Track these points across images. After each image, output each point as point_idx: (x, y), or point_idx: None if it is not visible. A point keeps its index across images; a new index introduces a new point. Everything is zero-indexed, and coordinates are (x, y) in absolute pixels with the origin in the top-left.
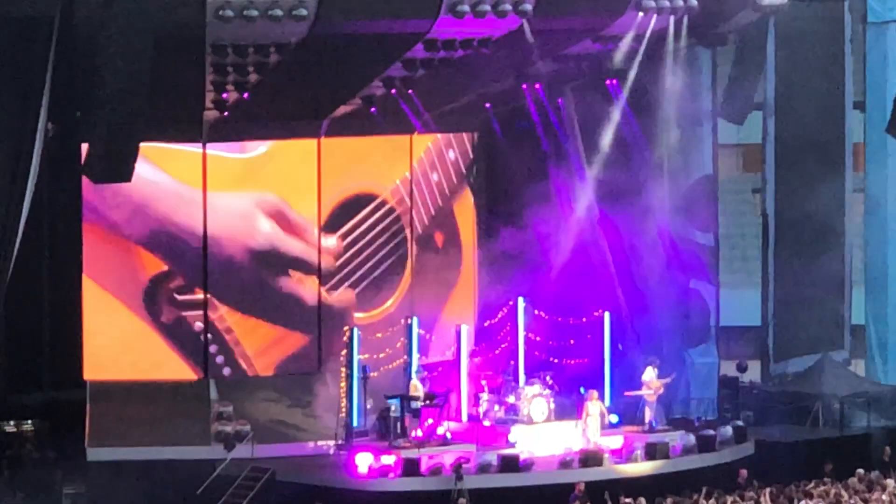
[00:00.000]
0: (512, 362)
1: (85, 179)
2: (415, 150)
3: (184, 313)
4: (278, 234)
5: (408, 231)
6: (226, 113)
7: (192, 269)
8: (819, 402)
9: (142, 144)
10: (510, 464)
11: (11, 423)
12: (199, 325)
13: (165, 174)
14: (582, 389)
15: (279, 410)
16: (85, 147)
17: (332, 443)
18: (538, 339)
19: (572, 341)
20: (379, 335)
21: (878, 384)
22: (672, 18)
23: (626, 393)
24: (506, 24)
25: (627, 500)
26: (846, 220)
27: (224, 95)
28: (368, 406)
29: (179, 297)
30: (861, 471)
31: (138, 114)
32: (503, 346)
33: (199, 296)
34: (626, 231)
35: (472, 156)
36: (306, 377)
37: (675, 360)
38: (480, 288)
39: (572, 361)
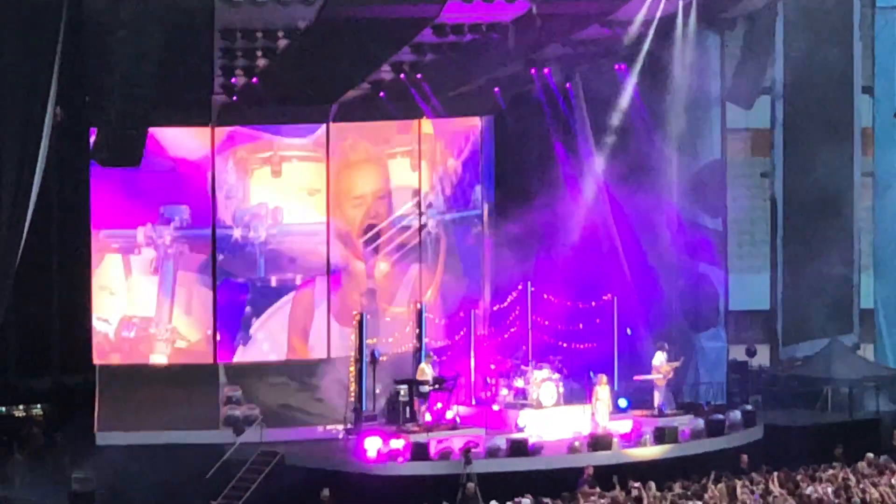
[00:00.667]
0: (521, 346)
1: (93, 164)
2: (423, 134)
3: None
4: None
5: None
6: (234, 97)
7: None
8: (828, 387)
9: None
10: (519, 448)
11: (21, 407)
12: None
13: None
14: (592, 374)
15: (288, 395)
16: (93, 132)
17: (341, 427)
18: (547, 323)
19: (581, 325)
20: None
21: (887, 368)
22: (681, 3)
23: (636, 377)
24: (514, 9)
25: (636, 484)
26: (855, 205)
27: (233, 80)
28: (377, 390)
29: None
30: (871, 455)
31: (147, 98)
32: (512, 330)
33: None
34: (634, 215)
35: (480, 140)
36: (315, 361)
37: (684, 344)
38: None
39: (581, 346)
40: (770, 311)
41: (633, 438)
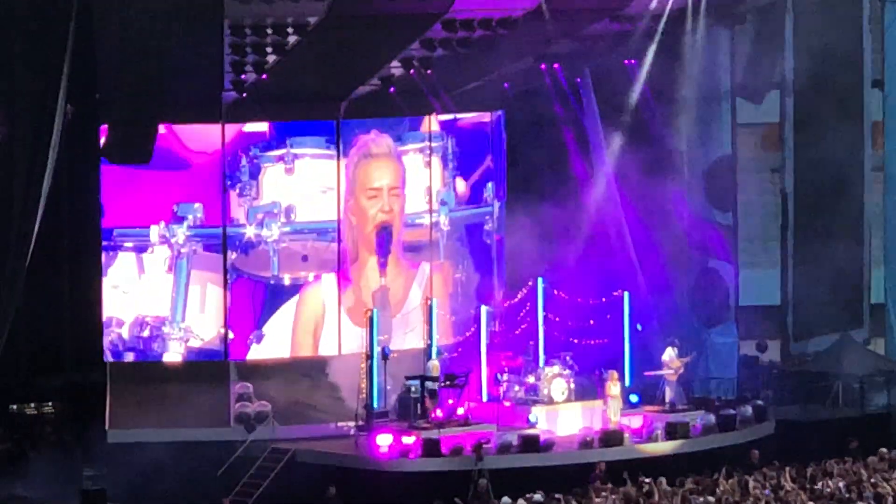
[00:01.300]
0: (532, 342)
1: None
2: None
3: None
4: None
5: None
6: (244, 94)
7: None
8: (839, 382)
9: None
10: (531, 444)
11: (32, 405)
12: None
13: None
14: (602, 370)
15: (299, 391)
16: (104, 129)
17: (352, 424)
18: (558, 319)
19: (592, 321)
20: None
21: None
22: None
23: (647, 373)
24: (524, 4)
25: (647, 479)
26: (865, 199)
27: (242, 76)
28: (388, 387)
29: None
30: (884, 450)
31: (156, 96)
32: (523, 326)
33: None
34: (645, 210)
35: (491, 136)
36: (327, 358)
37: (694, 340)
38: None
39: (592, 342)
40: (781, 306)
41: (644, 434)
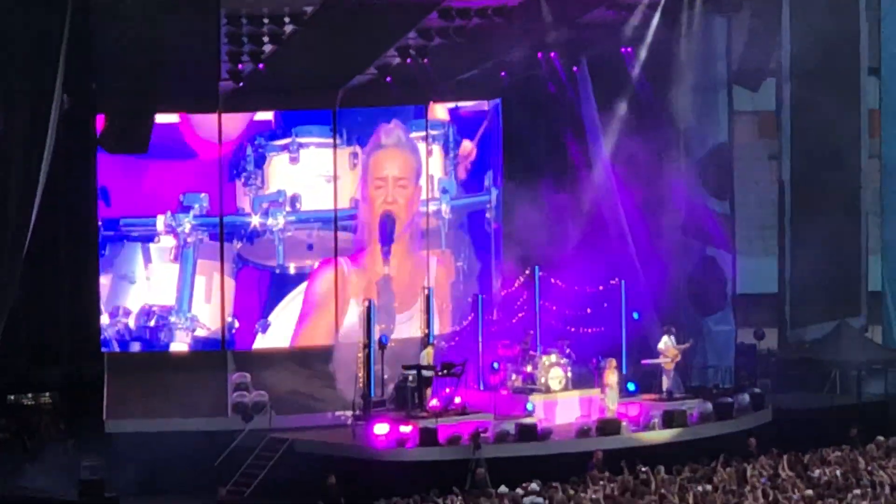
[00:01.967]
0: (529, 331)
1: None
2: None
3: None
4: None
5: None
6: (241, 84)
7: None
8: (836, 369)
9: None
10: (528, 433)
11: (30, 395)
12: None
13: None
14: (600, 359)
15: (297, 381)
16: (101, 119)
17: (349, 413)
18: (555, 308)
19: (589, 310)
20: None
21: (895, 350)
22: None
23: (644, 362)
24: None
25: (645, 468)
26: (862, 186)
27: (239, 66)
28: (386, 376)
29: None
30: (881, 438)
31: (153, 85)
32: (520, 315)
33: None
34: (642, 199)
35: (488, 124)
36: (325, 348)
37: (691, 328)
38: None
39: (589, 330)
40: (778, 294)
41: (641, 422)
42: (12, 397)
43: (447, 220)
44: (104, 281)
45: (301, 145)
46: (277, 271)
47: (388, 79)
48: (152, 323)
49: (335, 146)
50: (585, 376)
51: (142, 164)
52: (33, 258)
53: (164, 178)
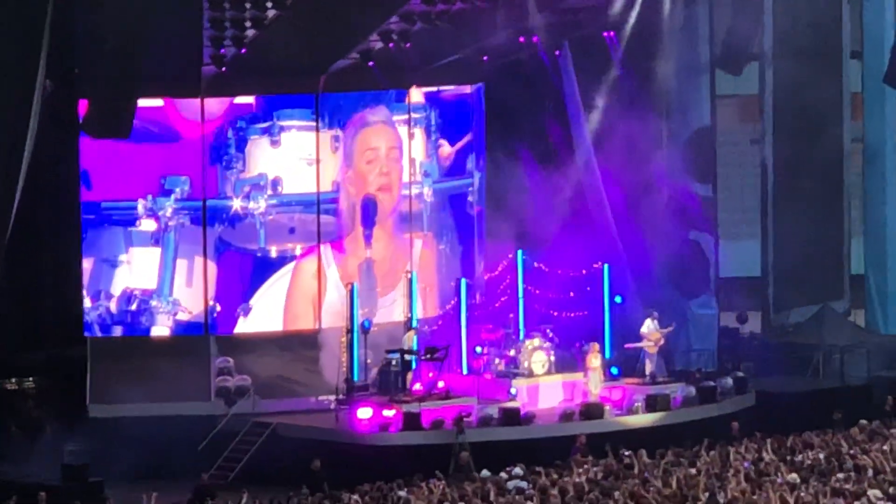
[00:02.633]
0: (512, 315)
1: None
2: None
3: None
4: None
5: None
6: (224, 68)
7: None
8: (819, 353)
9: None
10: (511, 417)
11: (13, 380)
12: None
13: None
14: (583, 343)
15: (280, 365)
16: (83, 104)
17: (333, 397)
18: (538, 291)
19: (572, 294)
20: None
21: (878, 334)
22: None
23: (627, 346)
24: None
25: (628, 452)
26: (845, 170)
27: (222, 51)
28: (369, 361)
29: None
30: (864, 421)
31: (136, 70)
32: (503, 299)
33: None
34: (624, 183)
35: (470, 123)
36: (308, 332)
37: (674, 311)
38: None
39: (572, 314)
40: (761, 277)
41: (624, 406)
42: None
43: (429, 203)
44: (86, 265)
45: (282, 128)
46: (259, 255)
47: (371, 63)
48: (134, 307)
49: (318, 130)
50: (569, 360)
51: (122, 148)
52: (16, 243)
53: (145, 161)
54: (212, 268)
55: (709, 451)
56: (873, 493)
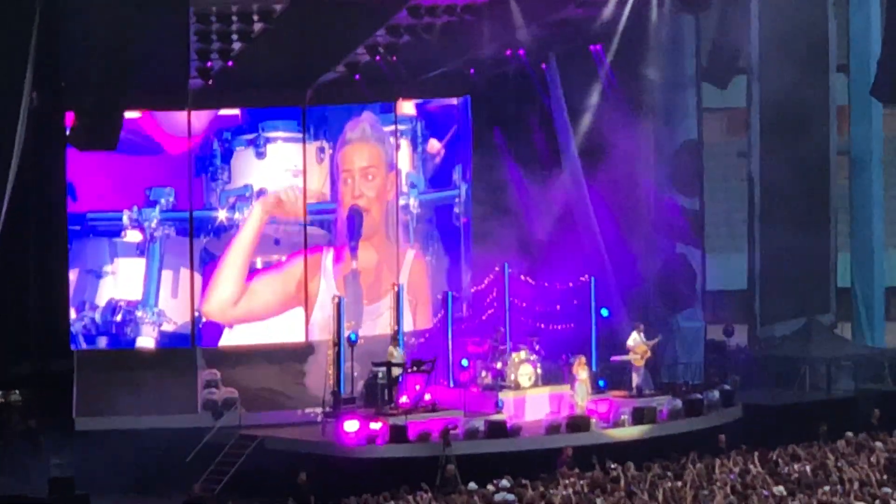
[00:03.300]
0: (499, 328)
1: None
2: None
3: None
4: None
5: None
6: (210, 81)
7: None
8: (806, 366)
9: None
10: (498, 429)
11: None
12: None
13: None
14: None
15: (267, 378)
16: (70, 116)
17: (319, 410)
18: (525, 304)
19: (559, 307)
20: None
21: (864, 347)
22: None
23: (613, 358)
24: None
25: (614, 465)
26: (831, 183)
27: (209, 64)
28: (356, 373)
29: None
30: (850, 434)
31: (122, 83)
32: (490, 311)
33: None
34: (611, 196)
35: (455, 122)
36: (295, 345)
37: (661, 324)
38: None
39: (559, 327)
40: (747, 290)
41: (611, 419)
42: None
43: (415, 214)
44: (71, 276)
45: (268, 140)
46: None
47: (357, 76)
48: (118, 318)
49: (304, 143)
50: (555, 373)
51: (107, 159)
52: (2, 255)
53: (130, 172)
54: (197, 279)
55: (695, 464)
56: None
